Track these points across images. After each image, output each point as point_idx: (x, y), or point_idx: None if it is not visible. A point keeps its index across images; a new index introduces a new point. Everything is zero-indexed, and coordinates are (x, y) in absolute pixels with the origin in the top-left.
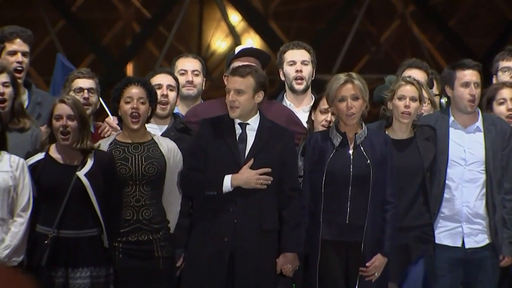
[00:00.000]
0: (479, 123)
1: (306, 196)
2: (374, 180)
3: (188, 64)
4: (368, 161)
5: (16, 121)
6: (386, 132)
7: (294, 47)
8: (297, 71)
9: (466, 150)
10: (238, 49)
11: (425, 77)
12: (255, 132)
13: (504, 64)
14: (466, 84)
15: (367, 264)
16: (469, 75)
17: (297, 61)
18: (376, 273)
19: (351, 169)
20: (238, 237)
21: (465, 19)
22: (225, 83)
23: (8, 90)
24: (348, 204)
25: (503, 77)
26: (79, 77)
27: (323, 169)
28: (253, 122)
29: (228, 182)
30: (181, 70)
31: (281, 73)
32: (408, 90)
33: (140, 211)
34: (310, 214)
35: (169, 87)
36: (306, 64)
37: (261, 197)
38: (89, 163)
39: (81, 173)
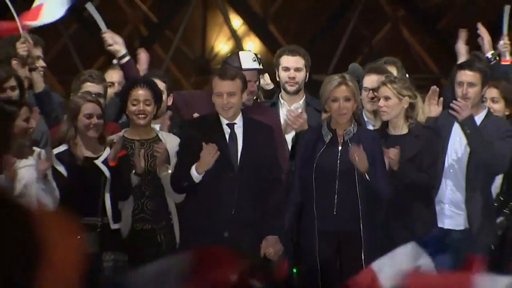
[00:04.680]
0: (479, 119)
1: (295, 188)
2: (361, 175)
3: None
4: None
5: None
6: (387, 130)
7: (289, 53)
8: (290, 77)
9: (458, 141)
10: (241, 56)
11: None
12: (242, 130)
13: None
14: (460, 84)
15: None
16: (464, 75)
17: (290, 68)
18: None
19: (338, 164)
20: (235, 230)
21: (454, 23)
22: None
23: (15, 93)
24: (336, 197)
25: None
26: (88, 81)
27: (313, 164)
28: (239, 121)
29: (194, 172)
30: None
31: (276, 74)
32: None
33: (144, 203)
34: (299, 206)
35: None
36: (299, 71)
37: (254, 191)
38: (106, 152)
39: (98, 161)
